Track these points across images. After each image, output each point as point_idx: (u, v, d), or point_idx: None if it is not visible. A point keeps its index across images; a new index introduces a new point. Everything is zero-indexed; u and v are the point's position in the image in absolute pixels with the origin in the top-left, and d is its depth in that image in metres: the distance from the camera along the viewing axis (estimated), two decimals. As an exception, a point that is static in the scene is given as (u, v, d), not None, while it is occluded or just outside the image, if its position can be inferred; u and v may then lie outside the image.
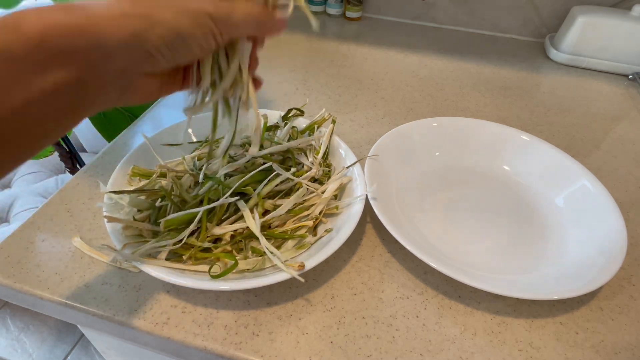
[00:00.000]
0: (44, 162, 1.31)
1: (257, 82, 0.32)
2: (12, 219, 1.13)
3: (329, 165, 0.45)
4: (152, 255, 0.34)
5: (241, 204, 0.37)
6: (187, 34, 0.22)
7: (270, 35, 0.28)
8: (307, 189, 0.40)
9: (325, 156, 0.45)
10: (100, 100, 0.22)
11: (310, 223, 0.38)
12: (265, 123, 0.45)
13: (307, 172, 0.42)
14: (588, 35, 0.70)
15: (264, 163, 0.40)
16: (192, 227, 0.35)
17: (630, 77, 0.71)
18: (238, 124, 0.32)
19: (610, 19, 0.68)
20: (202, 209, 0.35)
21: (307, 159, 0.43)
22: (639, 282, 0.39)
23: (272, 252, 0.35)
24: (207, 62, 0.28)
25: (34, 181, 1.25)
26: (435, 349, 0.33)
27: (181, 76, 0.28)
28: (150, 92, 0.25)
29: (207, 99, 0.30)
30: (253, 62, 0.30)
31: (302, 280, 0.33)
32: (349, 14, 0.86)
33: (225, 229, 0.36)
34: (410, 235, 0.38)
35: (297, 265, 0.33)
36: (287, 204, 0.38)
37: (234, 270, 0.34)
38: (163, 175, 0.40)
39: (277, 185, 0.40)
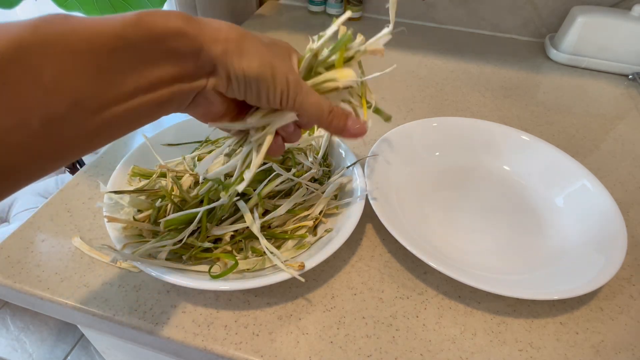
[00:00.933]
0: (44, 162, 1.30)
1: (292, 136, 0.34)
2: (12, 219, 1.13)
3: (329, 165, 0.45)
4: (152, 255, 0.34)
5: (241, 204, 0.37)
6: (263, 80, 0.25)
7: (343, 136, 0.32)
8: (307, 189, 0.40)
9: (325, 156, 0.45)
10: (176, 104, 0.25)
11: (310, 223, 0.38)
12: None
13: (307, 172, 0.42)
14: (588, 35, 0.70)
15: (265, 163, 0.40)
16: (192, 227, 0.35)
17: (630, 77, 0.71)
18: (245, 159, 0.33)
19: (610, 19, 0.68)
20: (202, 209, 0.35)
21: (307, 159, 0.43)
22: (639, 282, 0.39)
23: (272, 252, 0.35)
24: (259, 112, 0.30)
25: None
26: (435, 349, 0.33)
27: (234, 115, 0.30)
28: (208, 112, 0.28)
29: (236, 128, 0.31)
30: (294, 136, 0.32)
31: (303, 280, 0.33)
32: (349, 14, 0.86)
33: (225, 229, 0.36)
34: (410, 235, 0.38)
35: (297, 265, 0.33)
36: (287, 204, 0.38)
37: (234, 271, 0.34)
38: (163, 175, 0.40)
39: (277, 185, 0.40)
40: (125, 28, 0.20)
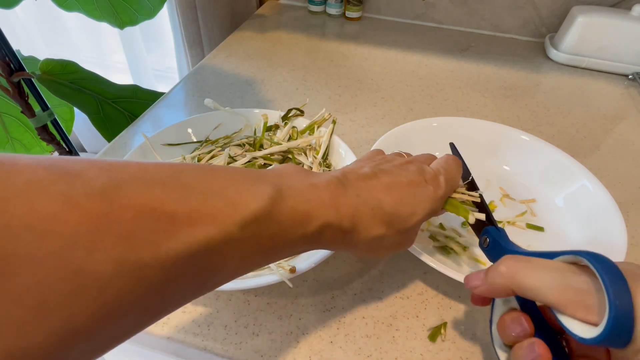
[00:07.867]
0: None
1: None
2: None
3: (328, 165, 0.45)
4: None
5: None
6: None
7: None
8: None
9: (325, 156, 0.45)
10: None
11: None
12: (265, 123, 0.45)
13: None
14: (588, 35, 0.70)
15: (265, 163, 0.40)
16: (192, 227, 0.35)
17: (630, 77, 0.71)
18: None
19: (610, 19, 0.68)
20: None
21: (307, 158, 0.43)
22: (639, 282, 0.39)
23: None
24: None
25: (34, 181, 1.24)
26: (435, 348, 0.33)
27: None
28: None
29: None
30: None
31: (291, 285, 0.33)
32: (349, 14, 0.86)
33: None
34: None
35: (288, 270, 0.33)
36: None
37: (234, 270, 0.34)
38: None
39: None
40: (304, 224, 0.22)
